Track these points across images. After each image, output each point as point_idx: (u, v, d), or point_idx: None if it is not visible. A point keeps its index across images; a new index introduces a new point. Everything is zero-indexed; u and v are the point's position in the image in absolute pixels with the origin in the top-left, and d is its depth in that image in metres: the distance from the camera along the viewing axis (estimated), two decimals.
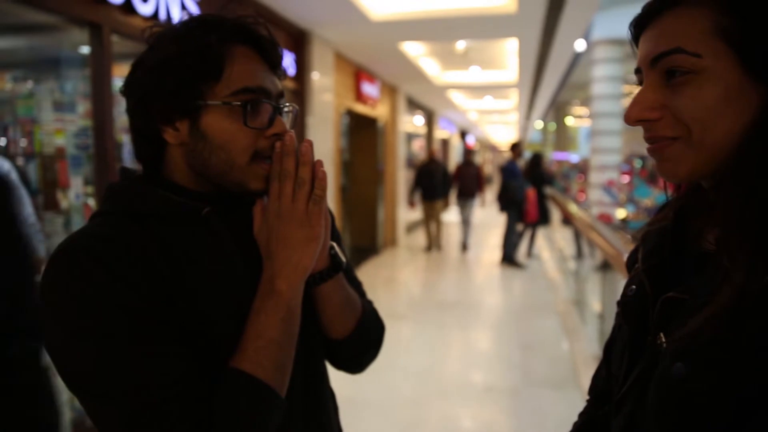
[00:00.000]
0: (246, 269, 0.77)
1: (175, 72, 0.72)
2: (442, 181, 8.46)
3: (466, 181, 8.80)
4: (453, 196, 8.98)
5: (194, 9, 3.23)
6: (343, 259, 0.86)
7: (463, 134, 17.68)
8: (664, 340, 0.59)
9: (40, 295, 0.69)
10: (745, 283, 0.51)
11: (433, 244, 8.65)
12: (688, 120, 0.56)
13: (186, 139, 0.75)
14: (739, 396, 0.50)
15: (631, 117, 0.60)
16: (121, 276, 0.67)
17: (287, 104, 0.80)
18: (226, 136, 0.74)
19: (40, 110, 2.96)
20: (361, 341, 0.91)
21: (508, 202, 7.61)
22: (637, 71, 0.62)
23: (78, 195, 2.93)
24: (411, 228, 10.76)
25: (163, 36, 0.75)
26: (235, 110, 0.73)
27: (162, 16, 2.99)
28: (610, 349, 0.78)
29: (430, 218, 8.52)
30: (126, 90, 0.77)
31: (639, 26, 0.61)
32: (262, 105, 0.76)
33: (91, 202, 2.97)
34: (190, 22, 0.76)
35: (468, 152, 9.66)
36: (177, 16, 3.05)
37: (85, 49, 2.80)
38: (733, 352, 0.51)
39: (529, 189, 7.79)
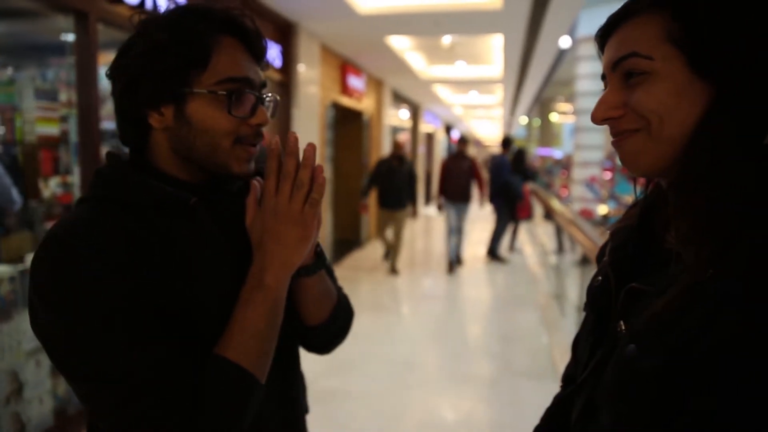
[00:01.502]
0: (231, 258, 0.80)
1: (164, 58, 0.74)
2: (407, 184, 6.47)
3: (456, 180, 6.72)
4: (439, 200, 7.09)
5: None
6: (326, 256, 0.90)
7: (448, 129, 17.72)
8: (624, 327, 0.63)
9: (30, 279, 0.70)
10: (693, 276, 0.55)
11: (391, 258, 6.67)
12: (646, 112, 0.61)
13: (171, 124, 0.77)
14: (679, 380, 0.54)
15: (597, 117, 0.65)
16: (112, 261, 0.69)
17: (268, 94, 0.83)
18: (210, 122, 0.76)
19: (21, 98, 2.93)
20: (334, 328, 0.95)
21: (508, 198, 7.54)
22: (603, 77, 0.67)
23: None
24: None
25: (152, 23, 0.76)
26: (219, 99, 0.76)
27: (148, 4, 2.98)
28: (578, 338, 0.83)
29: (387, 227, 6.62)
30: (113, 74, 0.78)
31: (603, 37, 0.67)
32: (245, 95, 0.78)
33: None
34: (179, 11, 0.77)
35: (461, 140, 7.27)
36: (164, 4, 3.04)
37: (70, 37, 2.79)
38: (676, 338, 0.55)
39: (525, 185, 7.77)
